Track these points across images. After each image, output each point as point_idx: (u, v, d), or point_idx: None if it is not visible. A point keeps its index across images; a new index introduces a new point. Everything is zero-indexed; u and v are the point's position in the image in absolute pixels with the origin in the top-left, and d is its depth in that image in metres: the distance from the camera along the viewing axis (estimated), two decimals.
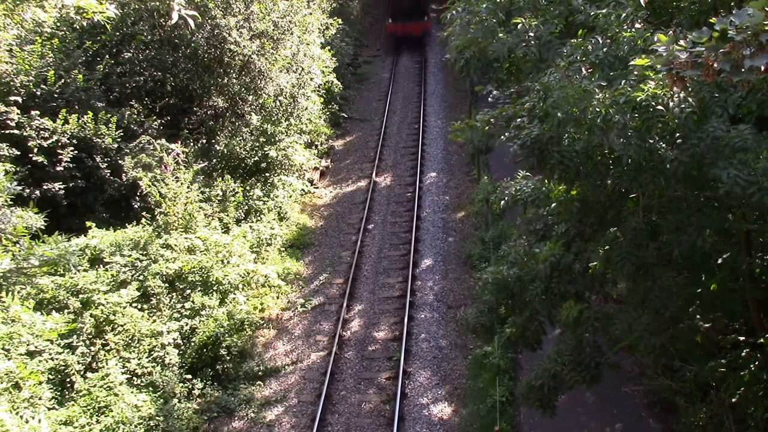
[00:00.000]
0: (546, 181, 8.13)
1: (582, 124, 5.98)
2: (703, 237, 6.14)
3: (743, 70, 2.99)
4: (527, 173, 8.97)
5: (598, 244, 7.63)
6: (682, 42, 3.35)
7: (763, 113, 6.23)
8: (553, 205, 8.28)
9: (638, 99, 5.60)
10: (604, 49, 6.50)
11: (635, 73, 5.78)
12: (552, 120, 6.15)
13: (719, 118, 5.71)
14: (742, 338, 8.80)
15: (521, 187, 8.77)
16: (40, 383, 10.71)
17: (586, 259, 7.81)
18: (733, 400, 9.08)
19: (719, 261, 7.45)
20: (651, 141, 5.77)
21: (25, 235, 11.59)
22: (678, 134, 5.79)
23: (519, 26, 7.48)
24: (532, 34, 7.35)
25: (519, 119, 6.73)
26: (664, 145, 5.81)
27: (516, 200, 8.72)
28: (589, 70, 6.46)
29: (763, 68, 2.95)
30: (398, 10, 34.22)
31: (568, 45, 6.90)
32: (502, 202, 8.91)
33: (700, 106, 5.77)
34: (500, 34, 7.59)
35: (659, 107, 5.60)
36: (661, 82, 5.48)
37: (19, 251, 11.12)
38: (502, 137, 6.90)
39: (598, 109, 5.86)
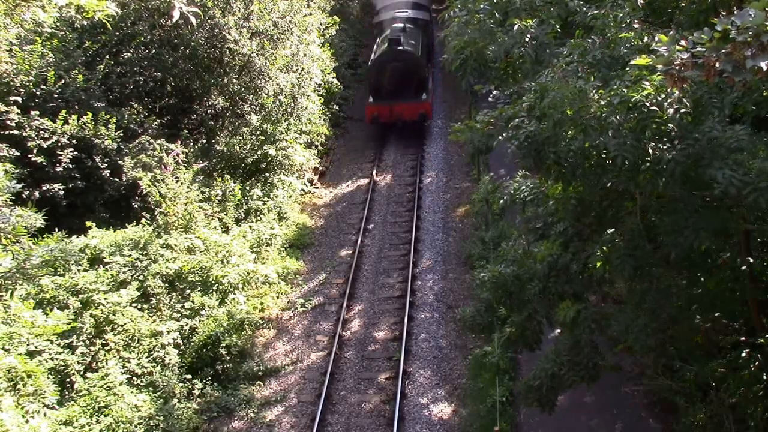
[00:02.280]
0: (543, 179, 8.14)
1: (578, 124, 5.99)
2: (700, 238, 6.14)
3: (745, 70, 2.99)
4: (526, 173, 8.98)
5: (596, 244, 7.63)
6: (683, 42, 3.36)
7: (760, 114, 6.24)
8: (551, 203, 8.27)
9: (633, 99, 5.61)
10: (602, 50, 6.51)
11: (630, 74, 5.80)
12: (548, 120, 6.16)
13: (715, 119, 5.72)
14: (742, 338, 8.81)
15: (520, 186, 8.78)
16: (44, 375, 10.71)
17: (583, 259, 7.82)
18: (733, 400, 9.09)
19: (718, 261, 7.45)
20: (646, 142, 5.77)
21: (24, 235, 11.60)
22: (674, 134, 5.79)
23: (515, 27, 7.48)
24: (528, 36, 7.36)
25: (518, 119, 6.74)
26: (660, 146, 5.82)
27: (515, 199, 8.74)
28: (587, 71, 6.47)
29: (765, 68, 2.95)
30: (384, 84, 23.98)
31: (566, 46, 6.91)
32: (501, 201, 8.93)
33: (696, 106, 5.78)
34: (498, 36, 7.60)
35: (654, 107, 5.61)
36: (656, 83, 5.49)
37: (20, 251, 11.13)
38: (501, 137, 6.91)
39: (593, 110, 5.86)
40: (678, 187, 6.07)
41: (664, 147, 5.79)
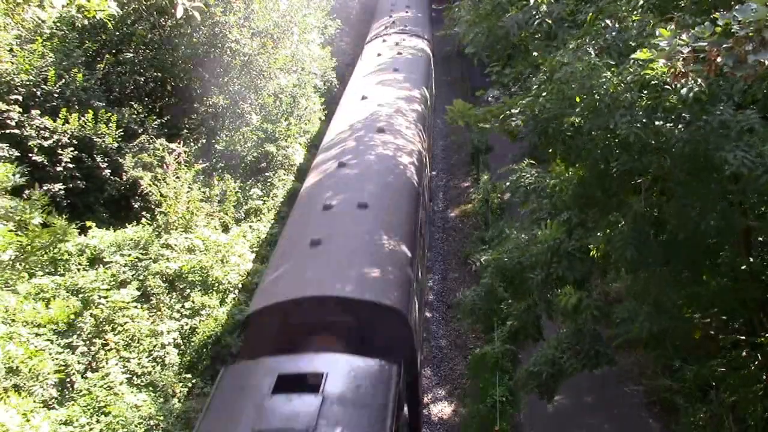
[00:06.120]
0: (549, 163, 8.13)
1: (588, 101, 5.96)
2: (707, 222, 6.10)
3: (746, 65, 2.98)
4: (532, 161, 8.97)
5: (598, 229, 7.62)
6: (684, 36, 3.36)
7: None
8: (553, 182, 8.19)
9: (647, 77, 5.60)
10: (614, 33, 6.51)
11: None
12: (557, 95, 6.14)
13: (725, 104, 5.71)
14: (742, 337, 8.81)
15: (524, 174, 8.76)
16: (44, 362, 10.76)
17: (586, 246, 7.82)
18: (733, 399, 9.09)
19: (719, 261, 7.45)
20: (657, 122, 5.75)
21: (33, 218, 11.65)
22: (685, 115, 5.78)
23: (531, 1, 7.52)
24: (544, 8, 7.38)
25: (528, 98, 6.74)
26: (670, 126, 5.80)
27: (518, 187, 8.71)
28: (599, 53, 6.48)
29: (766, 63, 2.95)
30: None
31: (579, 28, 6.93)
32: (505, 186, 8.92)
33: (709, 89, 5.75)
34: (512, 11, 7.63)
35: (667, 86, 5.60)
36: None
37: (23, 237, 11.15)
38: (508, 111, 6.90)
39: (605, 86, 5.85)
40: (686, 168, 6.03)
41: (674, 127, 5.76)
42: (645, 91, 5.72)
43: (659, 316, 7.32)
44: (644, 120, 5.64)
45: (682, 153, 5.68)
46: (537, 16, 7.31)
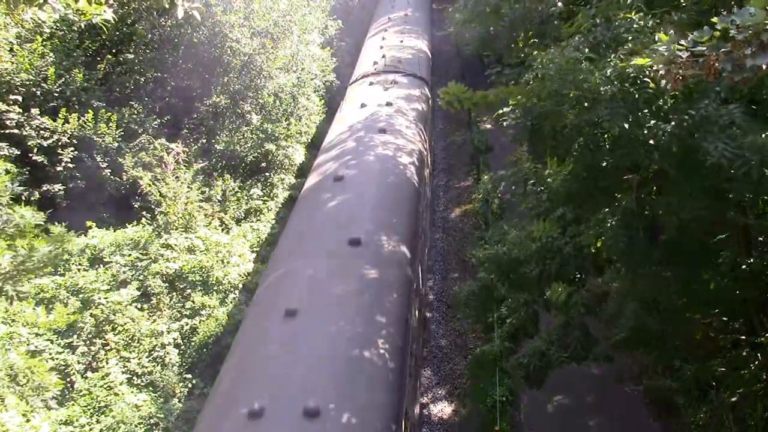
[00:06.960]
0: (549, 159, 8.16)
1: (572, 96, 5.99)
2: (691, 211, 6.11)
3: (745, 69, 2.98)
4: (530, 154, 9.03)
5: (590, 226, 7.66)
6: (682, 41, 3.35)
7: (755, 98, 6.23)
8: (549, 177, 8.21)
9: (627, 71, 5.63)
10: (603, 31, 6.55)
11: (626, 48, 5.82)
12: (544, 91, 6.18)
13: (712, 100, 5.73)
14: (742, 337, 8.81)
15: (523, 168, 8.81)
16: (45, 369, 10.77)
17: (579, 244, 7.86)
18: (733, 399, 9.09)
19: (719, 261, 7.44)
20: (640, 113, 5.76)
21: (31, 233, 11.63)
22: (667, 108, 5.79)
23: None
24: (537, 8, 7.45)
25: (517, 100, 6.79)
26: (654, 120, 5.82)
27: (517, 179, 8.75)
28: (588, 51, 6.52)
29: (764, 67, 2.94)
30: None
31: (573, 26, 6.97)
32: (501, 172, 8.97)
33: (696, 89, 5.76)
34: (504, 7, 7.70)
35: (646, 79, 5.63)
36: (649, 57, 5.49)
37: (23, 247, 11.14)
38: (501, 110, 6.96)
39: (584, 78, 5.88)
40: (674, 162, 6.02)
41: (659, 121, 5.79)
42: (626, 85, 5.73)
43: (646, 314, 7.34)
44: (625, 113, 5.65)
45: (669, 148, 5.69)
46: (527, 21, 7.37)
